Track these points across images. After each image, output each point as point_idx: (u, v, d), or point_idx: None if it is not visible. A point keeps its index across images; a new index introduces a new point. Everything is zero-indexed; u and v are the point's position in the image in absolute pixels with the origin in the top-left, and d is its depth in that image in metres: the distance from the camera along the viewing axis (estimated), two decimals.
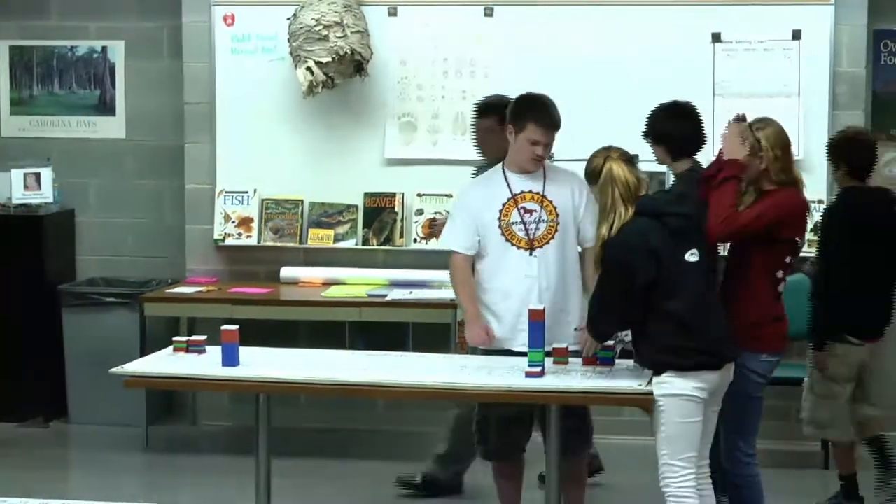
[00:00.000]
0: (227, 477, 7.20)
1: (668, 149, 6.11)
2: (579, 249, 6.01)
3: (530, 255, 5.90)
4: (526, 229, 5.90)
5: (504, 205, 5.93)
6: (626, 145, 7.84)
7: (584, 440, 6.06)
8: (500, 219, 5.92)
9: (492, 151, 6.56)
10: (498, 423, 5.96)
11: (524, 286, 5.89)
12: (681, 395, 5.26)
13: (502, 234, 5.91)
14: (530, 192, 5.93)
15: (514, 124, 5.91)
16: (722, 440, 5.71)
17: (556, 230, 5.91)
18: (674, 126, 6.11)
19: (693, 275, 5.34)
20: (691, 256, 5.34)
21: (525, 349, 5.70)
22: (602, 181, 5.39)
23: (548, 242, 5.91)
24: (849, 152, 6.66)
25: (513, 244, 5.91)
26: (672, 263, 5.30)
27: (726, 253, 5.83)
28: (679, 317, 5.28)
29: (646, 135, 6.12)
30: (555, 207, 5.92)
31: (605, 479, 7.20)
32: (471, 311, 6.03)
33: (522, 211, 5.91)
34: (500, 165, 6.04)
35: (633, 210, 5.34)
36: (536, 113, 5.90)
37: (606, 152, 5.47)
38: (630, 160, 5.48)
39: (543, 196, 5.92)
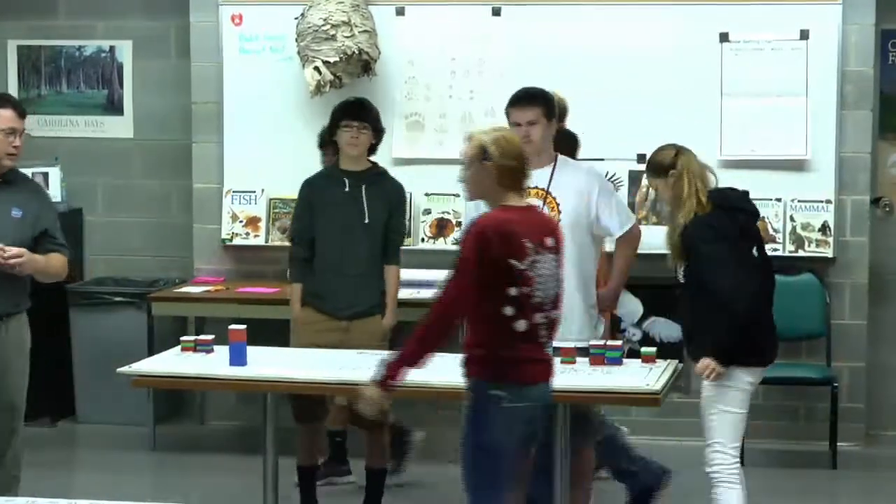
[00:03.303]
0: (235, 476, 7.19)
1: None
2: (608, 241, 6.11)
3: None
4: None
5: None
6: (633, 143, 7.93)
7: (584, 438, 6.04)
8: None
9: None
10: None
11: None
12: (740, 387, 5.48)
13: None
14: (535, 187, 5.95)
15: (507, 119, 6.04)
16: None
17: None
18: None
19: (758, 272, 5.51)
20: (754, 252, 5.54)
21: None
22: (679, 172, 5.54)
23: None
24: None
25: None
26: (744, 257, 5.48)
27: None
28: (748, 312, 5.43)
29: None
30: (557, 204, 5.94)
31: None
32: None
33: None
34: None
35: (709, 203, 5.49)
36: (511, 98, 6.04)
37: (676, 147, 5.64)
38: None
39: (547, 192, 5.94)
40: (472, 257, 4.73)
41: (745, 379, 5.50)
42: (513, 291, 4.73)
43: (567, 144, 6.54)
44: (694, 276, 5.52)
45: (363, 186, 6.51)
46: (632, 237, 6.12)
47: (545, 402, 4.93)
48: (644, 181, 7.81)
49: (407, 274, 7.97)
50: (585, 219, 5.97)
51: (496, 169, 4.81)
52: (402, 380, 4.86)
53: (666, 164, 5.59)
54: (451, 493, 6.70)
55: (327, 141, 6.88)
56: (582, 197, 5.96)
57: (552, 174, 5.99)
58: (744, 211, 5.58)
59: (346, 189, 6.50)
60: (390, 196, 6.59)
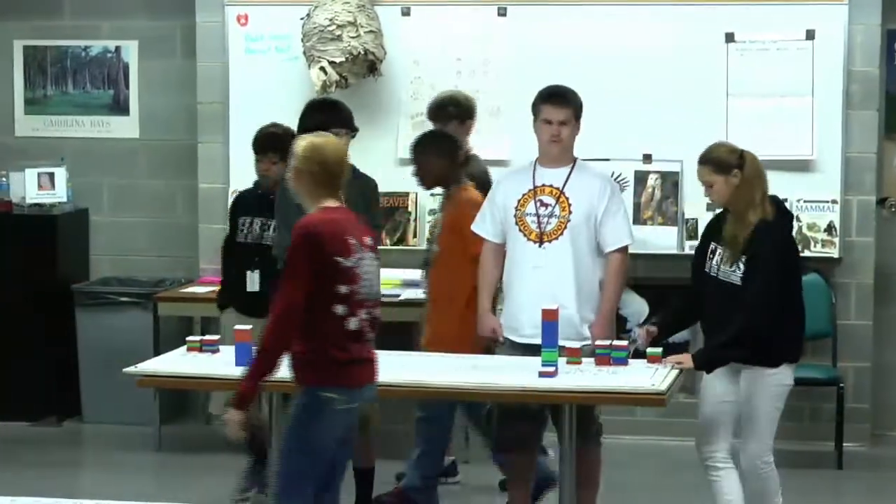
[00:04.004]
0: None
1: None
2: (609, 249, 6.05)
3: (539, 246, 5.95)
4: (538, 221, 5.95)
5: (523, 195, 6.03)
6: (639, 144, 7.93)
7: (589, 439, 6.04)
8: (516, 208, 6.02)
9: None
10: (506, 413, 6.01)
11: (532, 278, 5.92)
12: (789, 384, 5.68)
13: (516, 223, 6.01)
14: (550, 185, 6.00)
15: (533, 114, 6.04)
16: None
17: (566, 227, 5.94)
18: None
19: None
20: None
21: (526, 340, 5.83)
22: (749, 175, 5.55)
23: (556, 238, 5.96)
24: None
25: (524, 235, 5.99)
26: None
27: None
28: (800, 311, 5.63)
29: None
30: (569, 205, 5.95)
31: (618, 479, 7.17)
32: (480, 305, 6.15)
33: (539, 203, 5.97)
34: (535, 158, 6.13)
35: (771, 206, 5.58)
36: (545, 94, 6.04)
37: (737, 147, 5.67)
38: None
39: (561, 192, 5.97)
40: (301, 259, 4.79)
41: (792, 375, 5.69)
42: (343, 289, 4.82)
43: (448, 147, 6.55)
44: (758, 275, 5.50)
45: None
46: (621, 260, 6.04)
47: (371, 403, 5.04)
48: (651, 181, 7.82)
49: (412, 274, 7.99)
50: (592, 222, 5.99)
51: (302, 173, 4.93)
52: (256, 394, 4.91)
53: (732, 163, 5.57)
54: (449, 491, 6.74)
55: (277, 147, 6.72)
56: (593, 201, 5.98)
57: (569, 175, 6.01)
58: (790, 215, 5.79)
59: None
60: (366, 192, 6.56)
